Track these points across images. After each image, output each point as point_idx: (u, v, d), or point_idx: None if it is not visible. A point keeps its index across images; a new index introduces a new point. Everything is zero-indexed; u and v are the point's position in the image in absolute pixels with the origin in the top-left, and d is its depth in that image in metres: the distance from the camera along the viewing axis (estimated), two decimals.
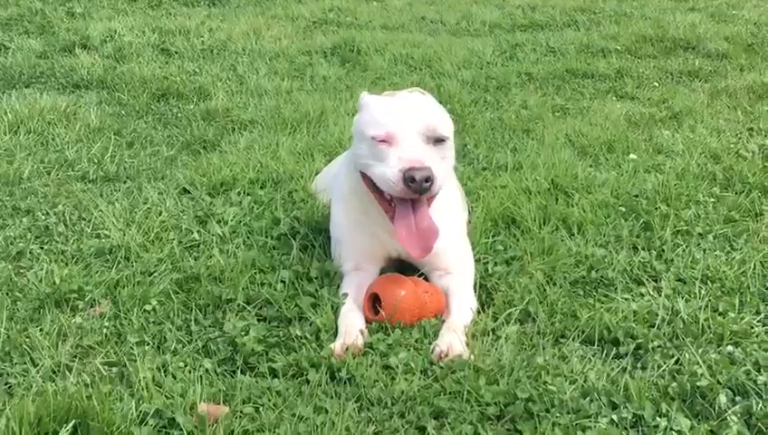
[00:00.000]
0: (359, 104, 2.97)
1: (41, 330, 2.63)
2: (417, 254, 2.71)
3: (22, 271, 3.07)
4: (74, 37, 6.63)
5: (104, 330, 2.66)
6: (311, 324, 2.68)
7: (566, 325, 2.68)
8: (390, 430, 2.21)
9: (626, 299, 2.83)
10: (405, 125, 2.72)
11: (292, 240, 3.21)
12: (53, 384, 2.32)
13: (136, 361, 2.46)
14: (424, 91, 3.04)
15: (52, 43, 6.57)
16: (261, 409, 2.28)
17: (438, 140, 2.72)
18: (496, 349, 2.57)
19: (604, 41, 6.78)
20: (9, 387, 2.36)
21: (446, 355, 2.49)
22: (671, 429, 2.15)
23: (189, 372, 2.44)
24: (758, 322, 2.68)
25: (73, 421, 2.12)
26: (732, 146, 4.31)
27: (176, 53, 6.45)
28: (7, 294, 2.88)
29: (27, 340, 2.57)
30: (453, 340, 2.55)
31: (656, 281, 2.96)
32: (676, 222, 3.38)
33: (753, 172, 3.88)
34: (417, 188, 2.61)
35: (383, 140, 2.71)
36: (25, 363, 2.46)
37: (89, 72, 5.81)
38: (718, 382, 2.30)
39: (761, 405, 2.22)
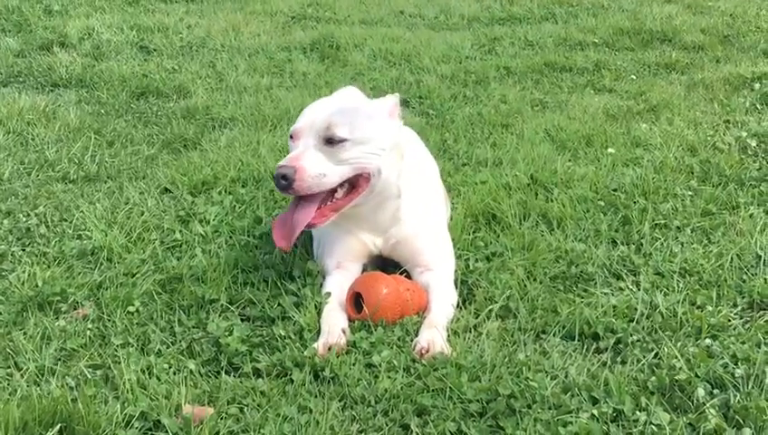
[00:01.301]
0: None
1: (24, 333, 2.64)
2: (276, 243, 2.78)
3: (4, 274, 3.07)
4: (52, 35, 6.59)
5: (88, 332, 2.67)
6: (294, 324, 2.70)
7: (547, 321, 2.71)
8: (374, 429, 2.23)
9: (605, 294, 2.86)
10: (304, 124, 2.80)
11: None
12: (38, 388, 2.33)
13: (120, 363, 2.47)
14: (353, 88, 3.08)
15: (30, 41, 6.52)
16: (245, 409, 2.30)
17: (332, 141, 2.74)
18: (478, 345, 2.60)
19: (582, 34, 6.82)
20: None
21: (428, 351, 2.52)
22: (651, 423, 2.18)
23: (174, 373, 2.46)
24: (735, 314, 2.72)
25: (59, 425, 2.13)
26: (709, 138, 4.36)
27: (154, 50, 6.43)
28: None
29: (11, 344, 2.58)
30: (434, 336, 2.58)
31: (634, 275, 3.00)
32: (655, 216, 3.42)
33: (729, 165, 3.93)
34: (278, 185, 2.69)
35: (291, 136, 2.81)
36: (9, 368, 2.47)
37: (67, 70, 5.78)
38: (696, 376, 2.34)
39: (738, 398, 2.26)
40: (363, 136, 2.77)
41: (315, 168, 2.71)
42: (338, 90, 3.11)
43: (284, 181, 2.67)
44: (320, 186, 2.72)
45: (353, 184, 2.81)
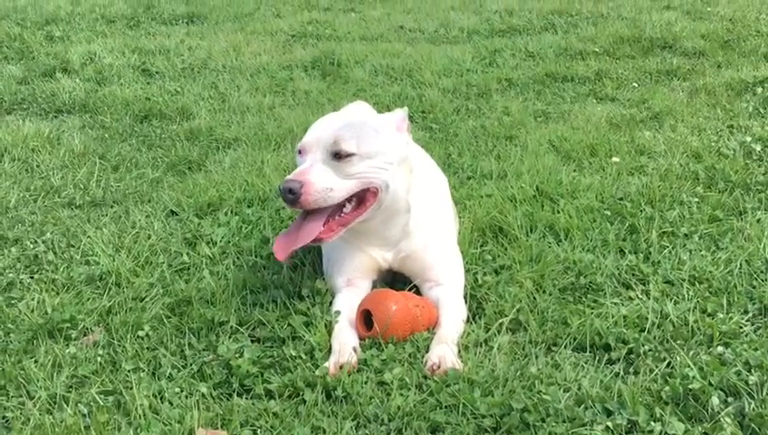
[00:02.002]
0: None
1: (35, 361, 2.64)
2: (275, 254, 2.78)
3: (13, 302, 3.07)
4: (54, 61, 6.62)
5: (98, 358, 2.67)
6: (305, 343, 2.69)
7: (557, 333, 2.70)
8: None
9: (615, 304, 2.85)
10: (312, 138, 2.81)
11: None
12: (51, 417, 2.33)
13: (132, 388, 2.47)
14: (363, 103, 3.10)
15: (33, 68, 6.55)
16: (258, 431, 2.30)
17: (339, 155, 2.74)
18: (489, 360, 2.59)
19: (582, 43, 6.83)
20: (6, 421, 2.36)
21: (439, 367, 2.52)
22: (666, 433, 2.18)
23: (186, 397, 2.45)
24: (746, 321, 2.72)
25: None
26: (713, 144, 4.35)
27: (156, 73, 6.45)
28: (0, 326, 2.88)
29: (22, 372, 2.58)
30: (445, 352, 2.57)
31: (644, 284, 2.99)
32: (662, 223, 3.41)
33: (735, 170, 3.92)
34: (284, 199, 2.70)
35: (299, 151, 2.82)
36: (21, 396, 2.47)
37: (70, 96, 5.80)
38: (710, 384, 2.33)
39: (753, 405, 2.25)
40: (370, 150, 2.77)
41: (322, 182, 2.71)
42: (347, 105, 3.12)
43: (291, 195, 2.68)
44: (326, 200, 2.72)
45: (361, 199, 2.81)
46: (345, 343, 2.64)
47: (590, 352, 2.61)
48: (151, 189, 4.21)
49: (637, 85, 5.75)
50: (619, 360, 2.54)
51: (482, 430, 2.25)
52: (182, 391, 2.48)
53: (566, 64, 6.30)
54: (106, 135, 5.11)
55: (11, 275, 3.28)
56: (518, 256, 3.19)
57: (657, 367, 2.46)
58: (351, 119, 2.90)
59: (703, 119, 4.88)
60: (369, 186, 2.79)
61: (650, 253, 3.20)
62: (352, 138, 2.76)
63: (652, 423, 2.21)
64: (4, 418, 2.38)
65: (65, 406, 2.40)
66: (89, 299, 3.07)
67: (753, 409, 2.24)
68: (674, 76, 5.93)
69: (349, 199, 2.80)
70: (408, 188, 2.91)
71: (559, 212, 3.56)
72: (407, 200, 2.91)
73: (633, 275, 3.05)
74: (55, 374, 2.57)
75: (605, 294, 2.93)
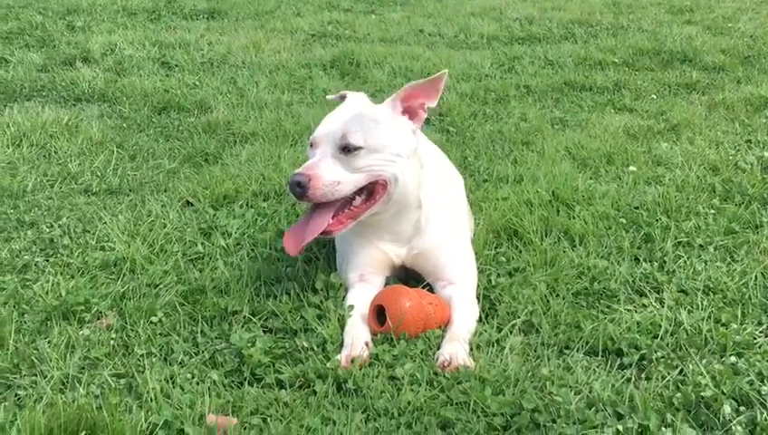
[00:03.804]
0: None
1: (49, 342, 2.65)
2: (285, 248, 2.79)
3: (28, 283, 3.09)
4: (75, 51, 6.66)
5: (111, 342, 2.68)
6: (317, 336, 2.70)
7: (570, 336, 2.70)
8: None
9: (629, 310, 2.85)
10: (322, 132, 2.83)
11: None
12: (63, 396, 2.33)
13: (144, 372, 2.48)
14: (360, 94, 3.10)
15: (53, 56, 6.60)
16: (269, 420, 2.30)
17: (347, 149, 2.75)
18: (501, 359, 2.59)
19: (602, 53, 6.82)
20: (19, 399, 2.37)
21: (450, 364, 2.52)
22: None
23: (197, 383, 2.46)
24: (760, 332, 2.71)
25: (84, 433, 2.13)
26: (730, 158, 4.34)
27: (176, 66, 6.48)
28: (14, 306, 2.89)
29: (35, 352, 2.59)
30: (456, 349, 2.58)
31: (658, 292, 2.99)
32: (677, 233, 3.40)
33: (752, 184, 3.91)
34: (292, 192, 2.71)
35: (311, 144, 2.84)
36: (35, 375, 2.48)
37: (90, 85, 5.83)
38: (722, 393, 2.32)
39: (765, 415, 2.24)
40: (378, 144, 2.78)
41: (330, 176, 2.72)
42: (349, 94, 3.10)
43: (299, 189, 2.69)
44: (334, 193, 2.73)
45: (371, 191, 2.82)
46: (357, 337, 2.64)
47: (602, 356, 2.61)
48: (167, 180, 4.23)
49: (655, 97, 5.74)
50: (631, 365, 2.53)
51: (492, 429, 2.25)
52: (193, 378, 2.49)
53: (585, 74, 6.29)
54: (124, 125, 5.13)
55: (26, 257, 3.30)
56: (532, 260, 3.19)
57: (669, 374, 2.46)
58: (360, 111, 2.88)
59: (721, 133, 4.86)
60: (377, 179, 2.80)
61: (665, 262, 3.20)
62: (359, 131, 2.76)
63: (663, 429, 2.20)
64: (16, 396, 2.39)
65: (78, 386, 2.40)
66: (103, 284, 3.09)
67: (765, 419, 2.23)
68: (693, 90, 5.91)
69: (358, 192, 2.81)
70: (419, 184, 2.91)
71: (574, 218, 3.56)
72: (417, 196, 2.91)
73: (647, 282, 3.05)
74: (68, 355, 2.58)
75: (619, 300, 2.93)
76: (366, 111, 2.89)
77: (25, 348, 2.60)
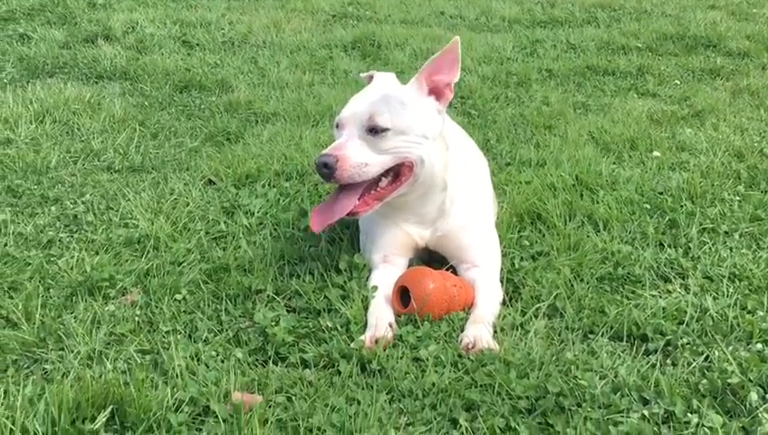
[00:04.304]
0: None
1: (75, 317, 2.66)
2: (311, 226, 2.79)
3: (53, 259, 3.10)
4: (96, 28, 6.67)
5: (136, 318, 2.69)
6: (340, 316, 2.70)
7: (594, 321, 2.69)
8: (422, 422, 2.22)
9: (653, 296, 2.83)
10: (349, 113, 2.81)
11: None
12: (90, 371, 2.35)
13: (169, 349, 2.49)
14: (389, 74, 3.06)
15: (75, 33, 6.60)
16: (293, 398, 2.30)
17: (374, 130, 2.74)
18: (525, 343, 2.58)
19: (624, 38, 6.77)
20: (46, 373, 2.38)
21: (474, 346, 2.51)
22: (703, 425, 2.16)
23: (222, 361, 2.47)
24: None
25: (111, 407, 2.14)
26: (755, 145, 4.31)
27: (197, 45, 6.48)
28: (40, 281, 2.91)
29: (62, 327, 2.60)
30: (481, 331, 2.57)
31: (683, 278, 2.97)
32: (702, 220, 3.38)
33: None
34: (319, 173, 2.70)
35: (337, 125, 2.82)
36: (61, 350, 2.50)
37: (111, 62, 5.84)
38: (749, 380, 2.31)
39: None
40: (404, 125, 2.77)
41: (357, 157, 2.71)
42: (377, 74, 3.08)
43: (327, 169, 2.68)
44: (361, 175, 2.72)
45: (397, 173, 2.81)
46: (381, 318, 2.64)
47: (626, 341, 2.59)
48: (189, 158, 4.23)
49: (679, 82, 5.70)
50: (656, 351, 2.51)
51: (516, 411, 2.25)
52: (218, 355, 2.50)
53: (608, 58, 6.25)
54: (146, 103, 5.14)
55: (51, 232, 3.31)
56: (556, 244, 3.18)
57: (695, 360, 2.44)
58: (387, 92, 2.86)
59: (745, 119, 4.82)
60: (404, 160, 2.79)
61: (690, 248, 3.18)
62: (386, 112, 2.75)
63: (689, 415, 2.19)
64: (43, 370, 2.40)
65: (104, 361, 2.42)
66: (127, 260, 3.10)
67: None
68: (717, 75, 5.86)
69: (384, 174, 2.79)
70: (445, 166, 2.90)
71: (598, 203, 3.54)
72: (443, 178, 2.90)
73: (672, 268, 3.03)
74: (94, 331, 2.59)
75: (643, 285, 2.91)
76: (393, 92, 2.87)
77: (52, 323, 2.61)
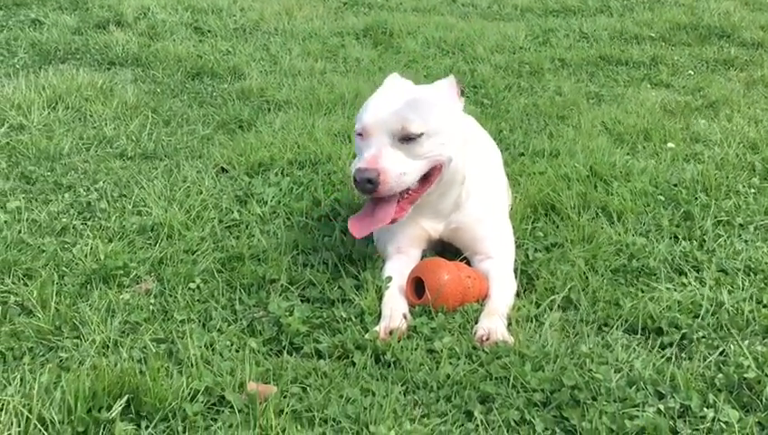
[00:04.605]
0: None
1: (89, 305, 2.67)
2: (352, 234, 2.75)
3: (67, 246, 3.10)
4: (108, 14, 6.66)
5: (151, 307, 2.69)
6: (354, 307, 2.69)
7: (609, 314, 2.68)
8: (437, 414, 2.22)
9: (668, 289, 2.82)
10: (374, 121, 2.73)
11: (333, 222, 3.23)
12: (105, 359, 2.35)
13: (184, 338, 2.49)
14: (396, 75, 3.02)
15: (86, 19, 6.59)
16: (308, 389, 2.30)
17: (406, 139, 2.70)
18: (540, 335, 2.58)
19: (638, 27, 6.73)
20: (61, 361, 2.39)
21: (488, 338, 2.51)
22: (719, 420, 2.15)
23: (236, 350, 2.47)
24: None
25: (127, 396, 2.15)
26: None
27: (209, 31, 6.47)
28: (54, 268, 2.91)
29: (76, 314, 2.61)
30: (495, 323, 2.57)
31: (698, 271, 2.95)
32: (717, 212, 3.36)
33: None
34: (362, 189, 2.64)
35: (360, 134, 2.75)
36: (77, 338, 2.50)
37: (123, 49, 5.84)
38: (765, 375, 2.30)
39: None
40: (436, 126, 2.74)
41: (397, 168, 2.67)
42: (385, 80, 3.05)
43: (370, 185, 2.64)
44: (401, 185, 2.70)
45: (426, 174, 2.78)
46: (396, 309, 2.63)
47: (641, 334, 2.59)
48: (202, 146, 4.23)
49: (692, 73, 5.67)
50: (671, 344, 2.51)
51: (531, 404, 2.24)
52: (232, 345, 2.50)
53: (621, 48, 6.22)
54: (158, 90, 5.14)
55: (64, 220, 3.31)
56: (570, 235, 3.17)
57: (710, 354, 2.44)
58: (409, 97, 2.81)
59: (760, 110, 4.80)
60: (436, 163, 2.77)
61: (705, 240, 3.16)
62: (417, 118, 2.71)
63: (705, 409, 2.18)
64: (59, 358, 2.40)
65: (120, 350, 2.42)
66: (141, 248, 3.10)
67: None
68: (731, 66, 5.83)
69: None
70: (464, 160, 2.89)
71: (612, 194, 3.52)
72: (463, 173, 2.89)
73: (687, 261, 3.02)
74: (109, 319, 2.60)
75: (658, 278, 2.90)
76: (419, 94, 2.84)
77: (67, 310, 2.61)
